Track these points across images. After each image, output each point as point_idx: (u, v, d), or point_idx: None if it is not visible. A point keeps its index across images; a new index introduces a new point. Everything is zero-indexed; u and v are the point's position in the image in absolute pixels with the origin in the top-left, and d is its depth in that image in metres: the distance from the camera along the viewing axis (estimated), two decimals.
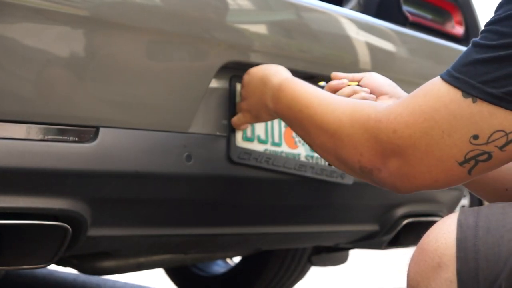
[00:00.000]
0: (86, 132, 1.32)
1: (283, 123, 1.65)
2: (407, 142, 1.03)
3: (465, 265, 0.92)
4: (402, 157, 1.04)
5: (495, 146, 0.98)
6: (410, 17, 1.98)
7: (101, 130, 1.33)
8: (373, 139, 1.07)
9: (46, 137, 1.27)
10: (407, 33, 1.95)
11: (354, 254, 3.06)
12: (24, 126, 1.25)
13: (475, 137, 0.99)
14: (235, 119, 1.54)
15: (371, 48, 1.82)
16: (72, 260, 1.98)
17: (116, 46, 1.34)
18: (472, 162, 1.00)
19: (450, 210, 2.14)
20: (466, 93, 0.98)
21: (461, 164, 1.00)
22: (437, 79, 1.04)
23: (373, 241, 2.06)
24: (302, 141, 1.67)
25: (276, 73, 1.38)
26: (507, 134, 0.97)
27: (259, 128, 1.60)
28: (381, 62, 1.87)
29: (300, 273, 2.58)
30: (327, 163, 1.70)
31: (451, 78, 1.01)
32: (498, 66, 0.96)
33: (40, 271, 3.41)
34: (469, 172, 1.01)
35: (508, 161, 1.02)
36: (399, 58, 1.92)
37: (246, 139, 1.57)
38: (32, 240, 1.34)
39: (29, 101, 1.25)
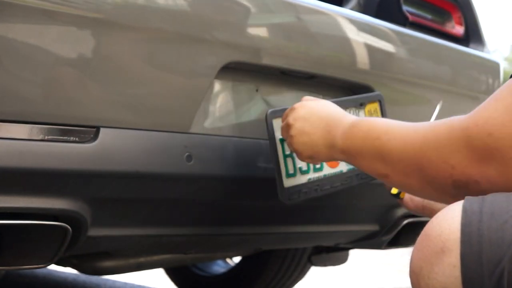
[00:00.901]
0: (87, 132, 1.32)
1: None
2: (508, 143, 0.98)
3: (469, 248, 0.92)
4: (503, 161, 0.99)
5: None
6: (410, 17, 1.98)
7: (102, 130, 1.33)
8: (465, 148, 1.02)
9: (46, 137, 1.27)
10: (407, 33, 1.95)
11: (354, 254, 3.06)
12: (24, 126, 1.25)
13: None
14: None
15: (371, 48, 1.82)
16: (72, 260, 1.98)
17: (116, 46, 1.34)
18: None
19: None
20: None
21: None
22: None
23: (373, 241, 2.06)
24: None
25: (346, 114, 1.35)
26: None
27: (299, 161, 1.51)
28: (381, 62, 1.87)
29: (300, 273, 2.58)
30: None
31: None
32: None
33: (40, 271, 3.41)
34: None
35: None
36: (399, 58, 1.92)
37: (288, 175, 1.50)
38: (32, 240, 1.34)
39: (29, 101, 1.25)
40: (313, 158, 1.37)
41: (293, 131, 1.38)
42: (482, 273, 0.91)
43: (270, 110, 1.48)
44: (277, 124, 1.47)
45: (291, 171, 1.50)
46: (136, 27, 1.36)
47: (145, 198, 1.46)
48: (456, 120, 1.05)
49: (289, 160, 1.50)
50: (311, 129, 1.35)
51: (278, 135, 1.47)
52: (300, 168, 1.51)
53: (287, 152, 1.50)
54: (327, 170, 1.58)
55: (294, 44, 1.66)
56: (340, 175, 1.59)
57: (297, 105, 1.41)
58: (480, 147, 1.01)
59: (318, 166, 1.56)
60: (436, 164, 1.06)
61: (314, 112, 1.37)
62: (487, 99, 1.04)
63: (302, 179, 1.52)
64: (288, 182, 1.49)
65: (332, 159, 1.35)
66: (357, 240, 2.08)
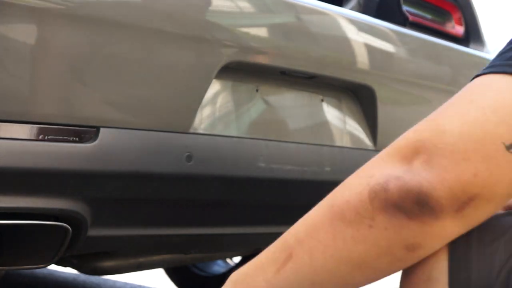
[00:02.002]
0: (87, 132, 1.32)
1: None
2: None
3: (457, 275, 0.88)
4: (427, 150, 0.81)
5: None
6: (410, 17, 1.98)
7: (102, 130, 1.33)
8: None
9: (46, 137, 1.27)
10: (407, 33, 1.95)
11: None
12: (24, 126, 1.25)
13: None
14: None
15: (371, 48, 1.82)
16: (72, 260, 1.98)
17: (117, 46, 1.34)
18: None
19: None
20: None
21: (508, 148, 0.80)
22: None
23: None
24: None
25: None
26: None
27: None
28: (381, 62, 1.87)
29: None
30: None
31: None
32: None
33: (40, 271, 3.40)
34: None
35: None
36: (399, 58, 1.92)
37: None
38: (32, 240, 1.34)
39: (29, 101, 1.25)
40: None
41: None
42: None
43: None
44: None
45: None
46: (136, 26, 1.36)
47: (145, 198, 1.46)
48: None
49: None
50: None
51: None
52: None
53: None
54: None
55: (294, 44, 1.66)
56: None
57: None
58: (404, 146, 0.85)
59: None
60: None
61: None
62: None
63: None
64: None
65: None
66: None
